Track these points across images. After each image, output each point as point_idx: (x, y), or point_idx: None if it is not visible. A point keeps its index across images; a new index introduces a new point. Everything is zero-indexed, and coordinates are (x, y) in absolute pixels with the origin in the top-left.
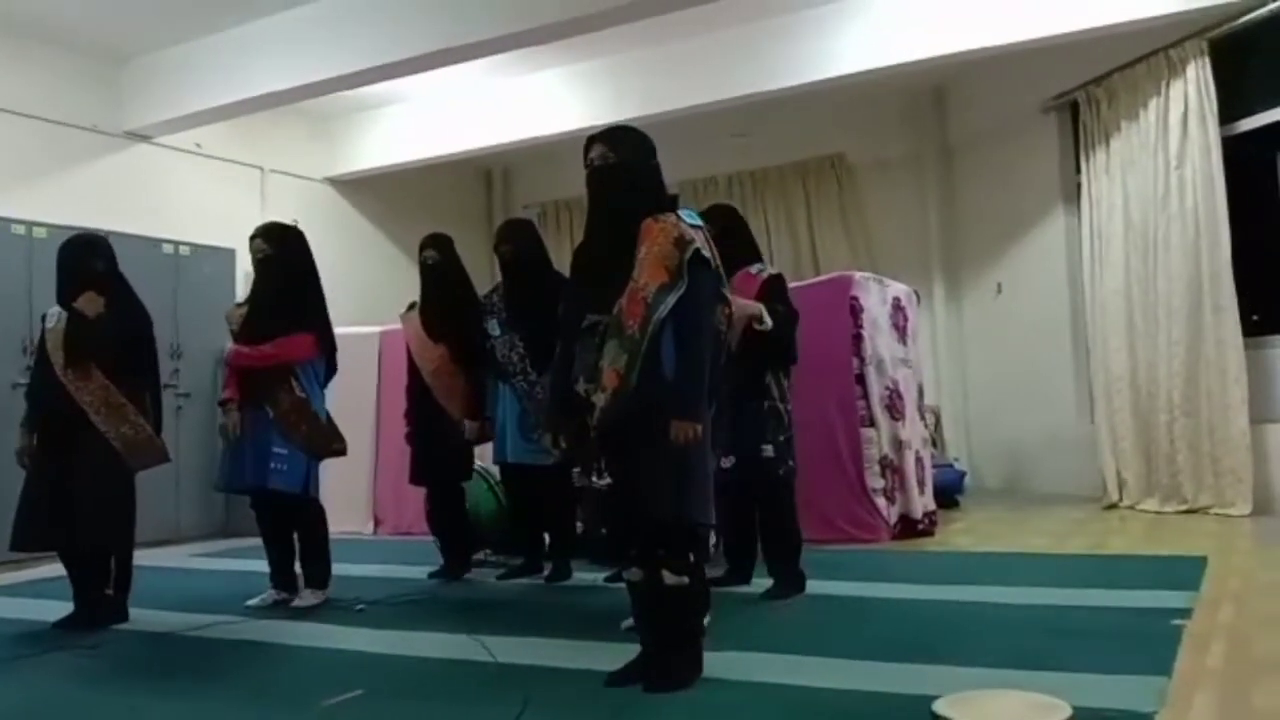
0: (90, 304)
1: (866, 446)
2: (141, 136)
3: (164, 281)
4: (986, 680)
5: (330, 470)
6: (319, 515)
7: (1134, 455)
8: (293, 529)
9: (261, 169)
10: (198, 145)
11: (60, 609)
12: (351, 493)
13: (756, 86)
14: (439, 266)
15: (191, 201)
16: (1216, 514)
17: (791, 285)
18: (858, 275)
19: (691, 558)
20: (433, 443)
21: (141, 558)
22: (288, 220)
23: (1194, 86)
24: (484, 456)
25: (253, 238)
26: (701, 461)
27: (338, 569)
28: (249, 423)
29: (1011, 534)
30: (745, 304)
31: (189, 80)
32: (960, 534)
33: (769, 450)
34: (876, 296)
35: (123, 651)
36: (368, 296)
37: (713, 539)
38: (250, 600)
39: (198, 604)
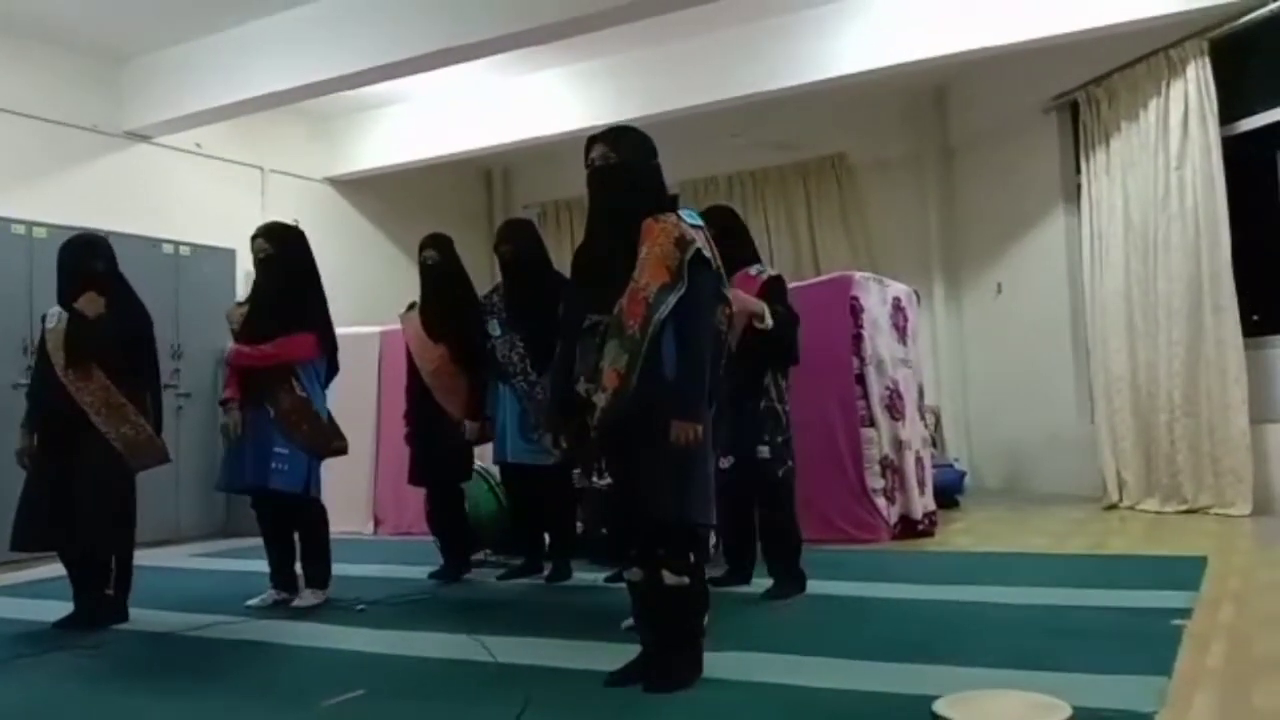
0: (90, 304)
1: (866, 447)
2: (141, 136)
3: (164, 281)
4: (987, 680)
5: (330, 470)
6: (321, 515)
7: (1134, 455)
8: (293, 529)
9: (261, 169)
10: (198, 145)
11: (60, 609)
12: (351, 493)
13: (756, 86)
14: (438, 266)
15: (191, 201)
16: (1216, 514)
17: (791, 285)
18: (858, 275)
19: (692, 558)
20: (432, 443)
21: (141, 558)
22: (288, 220)
23: (1194, 86)
24: (484, 457)
25: (255, 237)
26: (702, 462)
27: (338, 569)
28: (250, 422)
29: (1011, 534)
30: (746, 299)
31: (189, 80)
32: (960, 534)
33: (765, 451)
34: (876, 296)
35: (123, 651)
36: (368, 296)
37: (712, 539)
38: (250, 600)
39: (198, 604)
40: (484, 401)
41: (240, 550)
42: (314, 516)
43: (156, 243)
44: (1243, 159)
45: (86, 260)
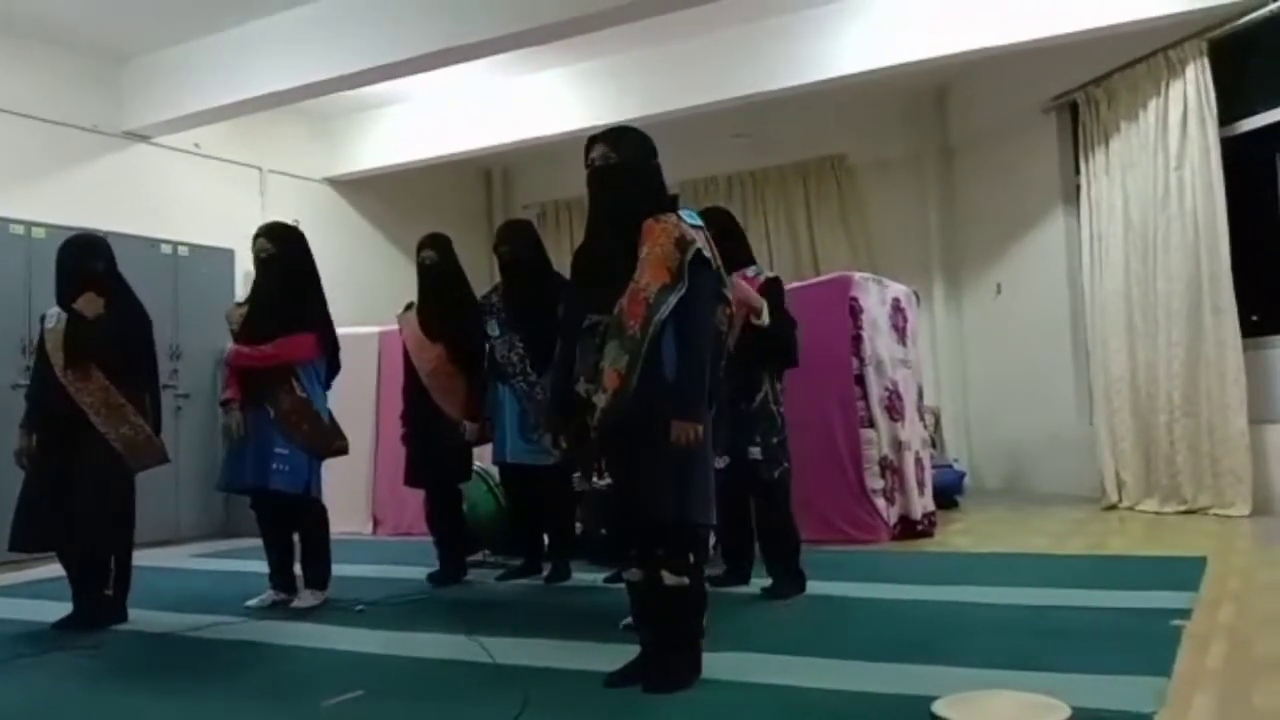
0: (90, 305)
1: (866, 447)
2: (141, 136)
3: (163, 282)
4: (986, 681)
5: (330, 470)
6: (321, 516)
7: (1133, 456)
8: (293, 529)
9: (261, 169)
10: (197, 145)
11: (60, 609)
12: (351, 493)
13: (757, 86)
14: (437, 266)
15: (191, 202)
16: (1216, 514)
17: (791, 286)
18: (857, 276)
19: (691, 558)
20: (430, 444)
21: (141, 558)
22: (288, 220)
23: (1194, 87)
24: (484, 457)
25: (256, 236)
26: (702, 462)
27: (337, 569)
28: (250, 423)
29: (1011, 534)
30: (748, 291)
31: (189, 80)
32: (960, 534)
33: (756, 452)
34: (876, 297)
35: (122, 652)
36: (367, 296)
37: (711, 539)
38: (250, 600)
39: (198, 604)
40: (483, 402)
41: (240, 550)
42: (315, 517)
43: (155, 243)
44: (1242, 159)
45: (86, 260)
